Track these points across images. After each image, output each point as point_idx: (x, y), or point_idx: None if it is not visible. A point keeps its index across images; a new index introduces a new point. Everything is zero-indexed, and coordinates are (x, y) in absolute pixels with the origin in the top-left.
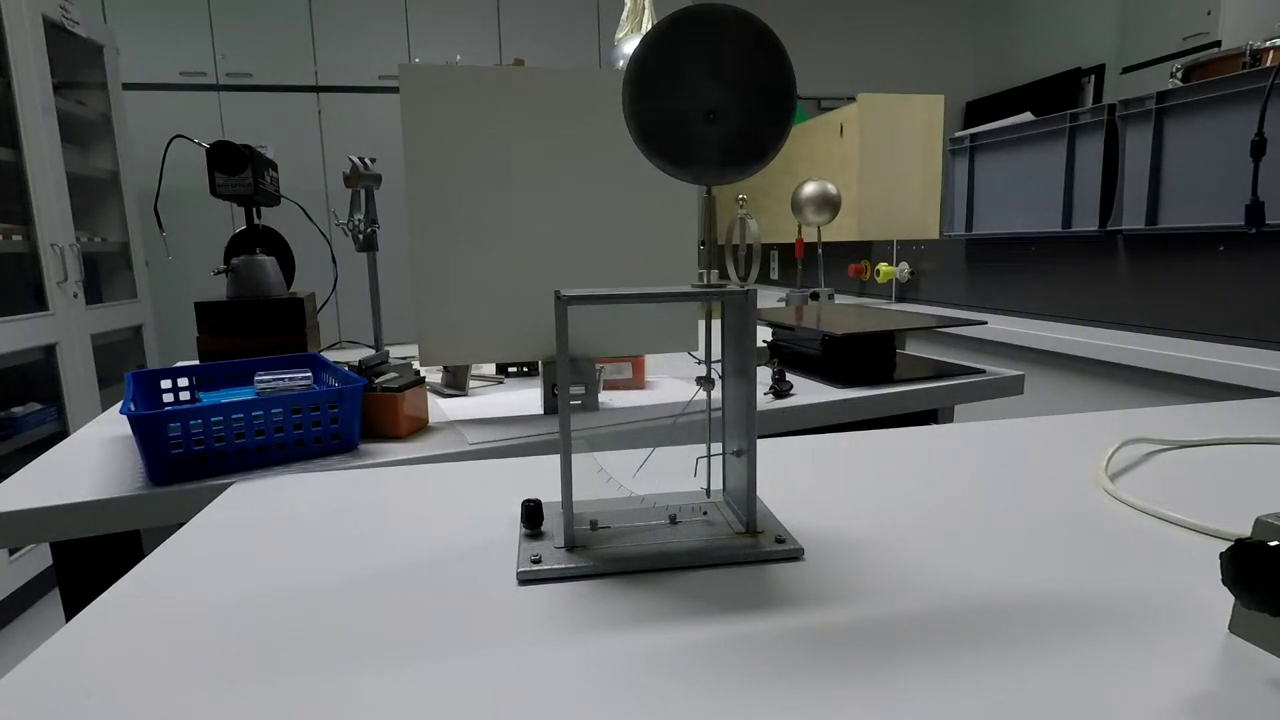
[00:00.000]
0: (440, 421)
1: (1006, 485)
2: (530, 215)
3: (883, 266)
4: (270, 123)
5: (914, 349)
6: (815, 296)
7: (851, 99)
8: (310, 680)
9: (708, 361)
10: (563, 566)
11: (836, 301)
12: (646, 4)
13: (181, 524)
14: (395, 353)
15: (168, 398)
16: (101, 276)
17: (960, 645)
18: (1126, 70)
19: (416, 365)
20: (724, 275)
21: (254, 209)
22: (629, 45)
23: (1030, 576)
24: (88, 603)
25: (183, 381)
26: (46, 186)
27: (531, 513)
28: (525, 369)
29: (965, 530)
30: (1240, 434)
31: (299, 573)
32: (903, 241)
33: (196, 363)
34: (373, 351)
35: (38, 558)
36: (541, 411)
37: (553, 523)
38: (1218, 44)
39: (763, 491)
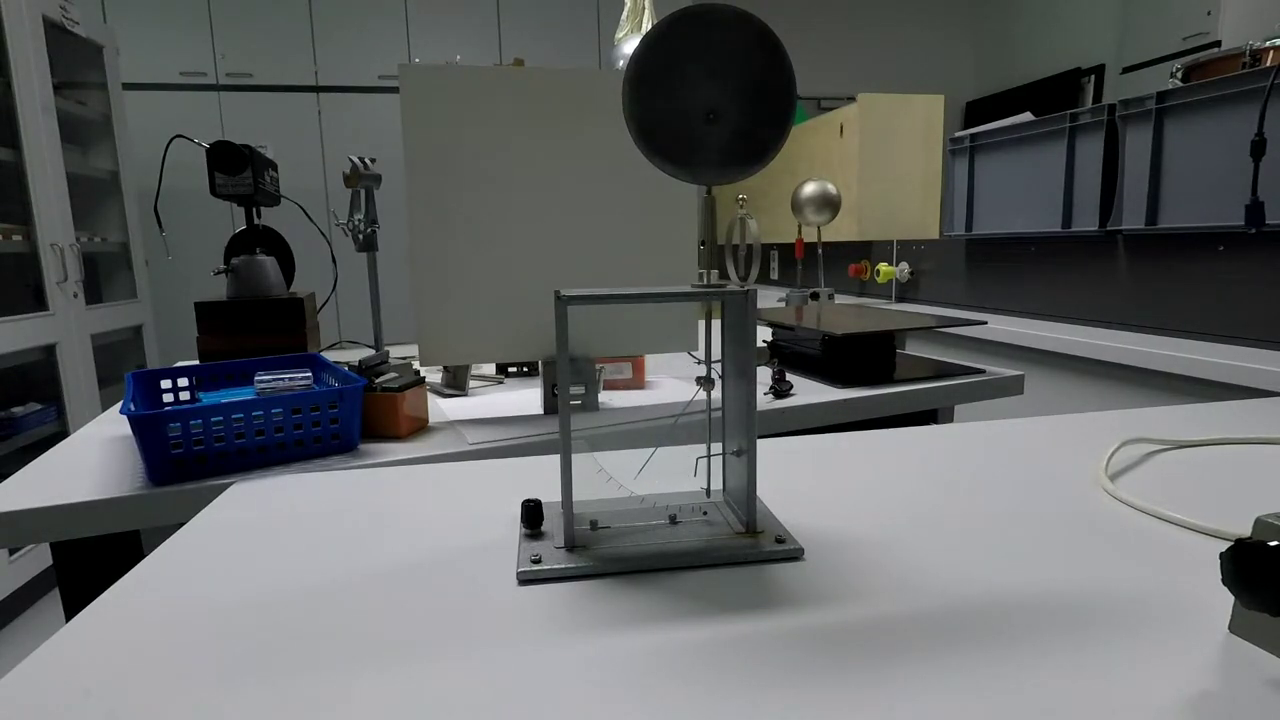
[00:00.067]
0: (440, 421)
1: (1006, 485)
2: (530, 215)
3: (883, 266)
4: (270, 123)
5: (914, 349)
6: (815, 296)
7: (851, 99)
8: (310, 680)
9: (708, 361)
10: (563, 566)
11: (836, 301)
12: (646, 4)
13: (181, 524)
14: (395, 353)
15: (168, 398)
16: (101, 276)
17: (960, 645)
18: (1126, 70)
19: (416, 365)
20: (724, 275)
21: (254, 209)
22: (629, 45)
23: (1030, 576)
24: (88, 603)
25: (183, 381)
26: (46, 186)
27: (531, 513)
28: (525, 369)
29: (965, 530)
30: (1240, 434)
31: (299, 573)
32: (903, 241)
33: (196, 363)
34: (373, 351)
35: (38, 558)
36: (541, 411)
37: (553, 523)
38: (1218, 44)
39: (763, 491)
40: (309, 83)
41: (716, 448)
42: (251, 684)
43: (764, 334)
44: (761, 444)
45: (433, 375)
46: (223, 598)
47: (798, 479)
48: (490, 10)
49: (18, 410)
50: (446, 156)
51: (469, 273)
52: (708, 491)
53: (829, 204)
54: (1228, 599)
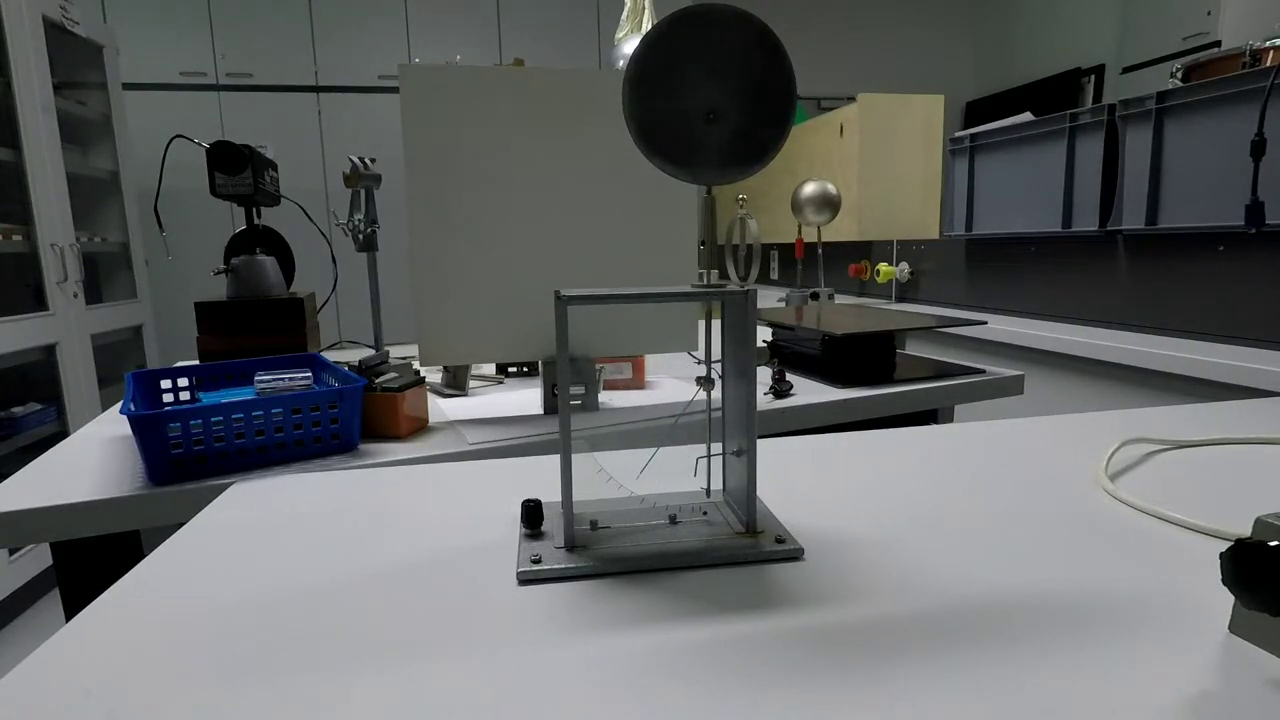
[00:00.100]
0: (440, 421)
1: (1006, 485)
2: (530, 215)
3: (883, 266)
4: (270, 123)
5: (914, 349)
6: (815, 296)
7: (851, 99)
8: (310, 680)
9: (708, 361)
10: (563, 566)
11: (836, 301)
12: (646, 4)
13: (181, 524)
14: (395, 353)
15: (168, 398)
16: (101, 276)
17: (960, 645)
18: (1126, 70)
19: (416, 365)
20: (724, 275)
21: (254, 209)
22: (629, 45)
23: (1030, 577)
24: (88, 603)
25: (183, 381)
26: (46, 186)
27: (531, 513)
28: (525, 369)
29: (965, 530)
30: (1240, 434)
31: (299, 573)
32: (903, 241)
33: (196, 363)
34: (373, 351)
35: (38, 558)
36: (541, 411)
37: (553, 523)
38: (1218, 44)
39: (763, 491)
40: (309, 83)
41: (716, 448)
42: (251, 684)
43: (764, 334)
44: (761, 444)
45: (433, 375)
46: (223, 598)
47: (798, 479)
48: (490, 10)
49: (18, 410)
50: (446, 156)
51: (469, 273)
52: (708, 491)
53: (829, 204)
54: (1228, 599)
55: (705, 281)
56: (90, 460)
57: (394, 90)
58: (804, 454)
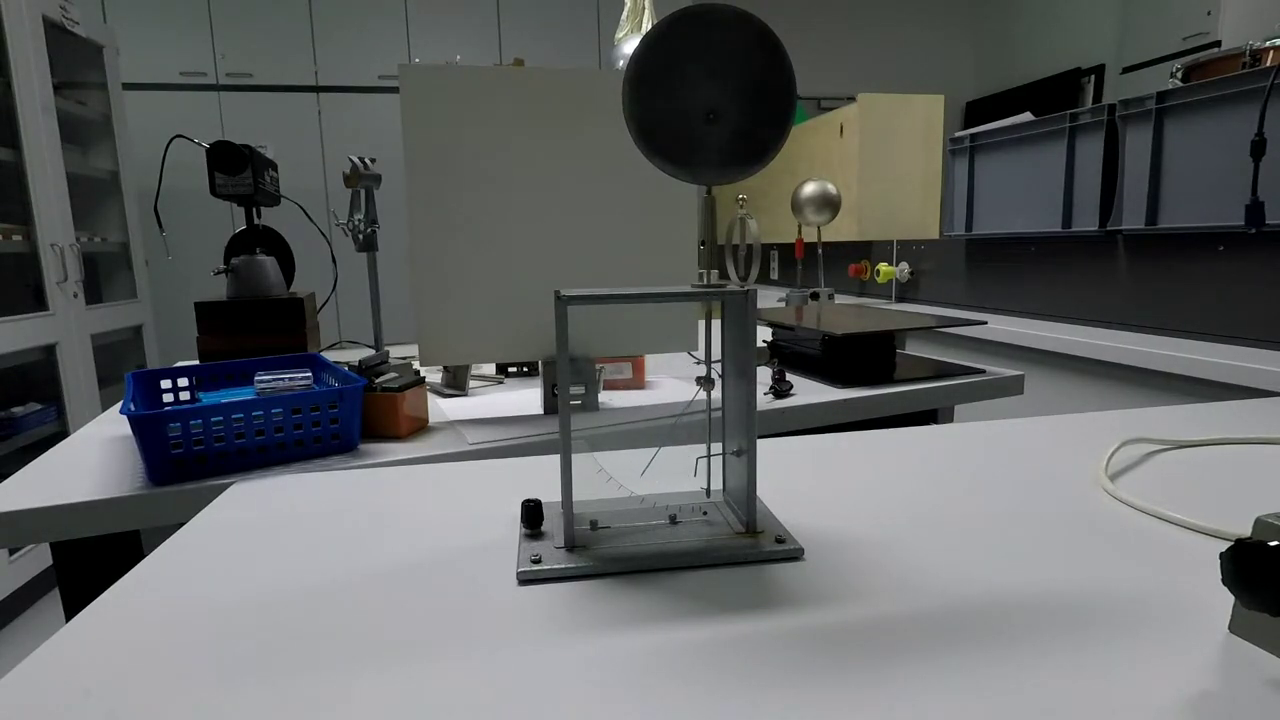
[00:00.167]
0: (440, 421)
1: (1006, 485)
2: (530, 215)
3: (883, 266)
4: (270, 123)
5: (914, 349)
6: (815, 296)
7: (851, 99)
8: (310, 680)
9: (708, 361)
10: (563, 566)
11: (836, 301)
12: (646, 4)
13: (181, 524)
14: (395, 353)
15: (168, 398)
16: (101, 276)
17: (960, 645)
18: (1126, 70)
19: (416, 365)
20: (724, 275)
21: (254, 209)
22: (629, 45)
23: (1030, 577)
24: (88, 603)
25: (183, 381)
26: (46, 186)
27: (531, 513)
28: (525, 369)
29: (965, 530)
30: (1240, 434)
31: (299, 573)
32: (903, 241)
33: (196, 363)
34: (373, 351)
35: (38, 558)
36: (541, 411)
37: (553, 523)
38: (1218, 44)
39: (763, 491)
40: (309, 83)
41: (716, 448)
42: (251, 684)
43: (764, 334)
44: (761, 444)
45: (433, 375)
46: (223, 598)
47: (798, 479)
48: (490, 10)
49: (18, 410)
50: (446, 156)
51: (469, 273)
52: (708, 491)
53: (829, 204)
54: (1228, 599)
55: (705, 281)
56: (90, 460)
57: (394, 90)
58: (804, 454)
